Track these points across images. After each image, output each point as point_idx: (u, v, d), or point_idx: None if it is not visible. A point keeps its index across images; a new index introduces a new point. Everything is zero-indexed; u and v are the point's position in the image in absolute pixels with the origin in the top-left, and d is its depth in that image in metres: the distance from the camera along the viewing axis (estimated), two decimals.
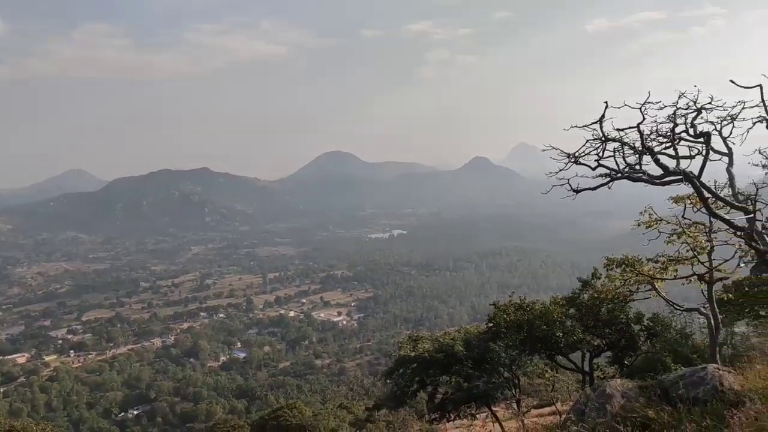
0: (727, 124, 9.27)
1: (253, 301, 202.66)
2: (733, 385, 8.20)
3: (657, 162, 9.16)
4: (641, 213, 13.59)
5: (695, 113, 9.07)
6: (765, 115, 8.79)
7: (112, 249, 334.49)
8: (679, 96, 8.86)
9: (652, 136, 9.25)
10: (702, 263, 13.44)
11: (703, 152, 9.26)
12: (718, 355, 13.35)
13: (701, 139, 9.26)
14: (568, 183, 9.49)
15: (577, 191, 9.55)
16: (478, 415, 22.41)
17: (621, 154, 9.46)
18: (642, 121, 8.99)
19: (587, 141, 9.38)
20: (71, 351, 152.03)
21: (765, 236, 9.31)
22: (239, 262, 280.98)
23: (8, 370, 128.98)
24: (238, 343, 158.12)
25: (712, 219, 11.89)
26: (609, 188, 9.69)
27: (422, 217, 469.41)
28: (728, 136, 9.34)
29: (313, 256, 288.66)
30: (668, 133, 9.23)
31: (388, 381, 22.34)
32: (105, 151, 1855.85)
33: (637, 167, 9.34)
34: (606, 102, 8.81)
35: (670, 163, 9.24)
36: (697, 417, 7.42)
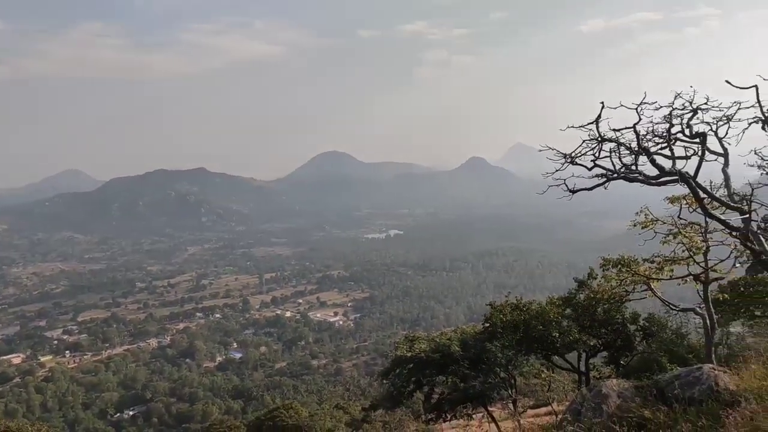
0: (722, 125, 9.28)
1: (250, 301, 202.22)
2: (728, 385, 8.21)
3: (653, 162, 9.17)
4: (637, 213, 13.63)
5: (691, 114, 9.07)
6: (760, 115, 8.81)
7: (108, 249, 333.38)
8: (675, 96, 8.87)
9: (648, 137, 9.26)
10: (698, 263, 13.46)
11: (699, 153, 9.26)
12: (713, 355, 13.39)
13: (697, 140, 9.27)
14: (565, 183, 9.47)
15: (573, 191, 9.53)
16: (474, 416, 22.40)
17: (617, 154, 9.46)
18: (638, 122, 9.00)
19: (584, 141, 9.38)
20: (67, 351, 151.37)
21: (760, 236, 9.32)
22: (235, 263, 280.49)
23: (3, 371, 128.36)
24: (235, 344, 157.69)
25: (707, 219, 11.94)
26: (605, 188, 9.70)
27: (419, 218, 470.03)
28: (724, 137, 9.36)
29: (310, 257, 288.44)
30: (664, 134, 9.25)
31: (384, 381, 22.29)
32: (101, 151, 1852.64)
33: (633, 167, 9.36)
34: (602, 102, 8.83)
35: (666, 164, 9.26)
36: (693, 417, 7.44)
